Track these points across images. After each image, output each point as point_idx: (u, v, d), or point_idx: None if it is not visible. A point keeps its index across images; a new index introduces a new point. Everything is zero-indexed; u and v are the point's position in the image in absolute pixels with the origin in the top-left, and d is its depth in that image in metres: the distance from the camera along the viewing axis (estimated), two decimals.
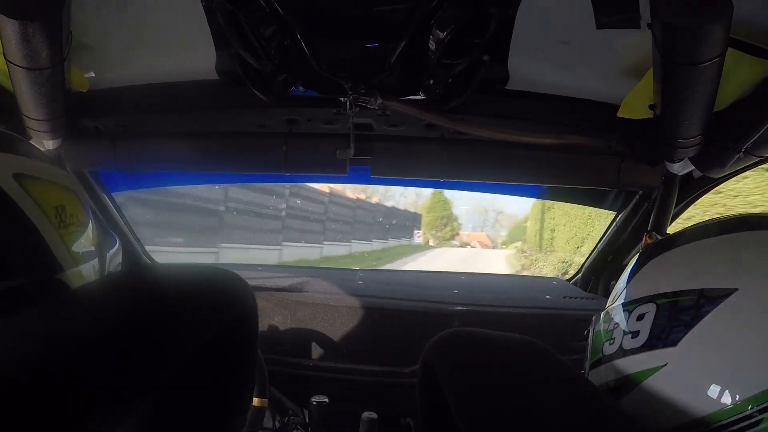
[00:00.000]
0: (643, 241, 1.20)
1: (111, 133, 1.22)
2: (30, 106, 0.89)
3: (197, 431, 0.60)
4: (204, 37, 0.95)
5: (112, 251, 0.72)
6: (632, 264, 0.69)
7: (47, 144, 1.00)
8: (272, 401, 1.25)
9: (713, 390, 0.51)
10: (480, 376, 0.59)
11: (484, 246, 29.80)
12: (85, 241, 0.60)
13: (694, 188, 1.28)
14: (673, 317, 0.56)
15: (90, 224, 0.63)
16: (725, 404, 0.50)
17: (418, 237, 26.76)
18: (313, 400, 1.27)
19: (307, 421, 1.29)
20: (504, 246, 29.16)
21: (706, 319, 0.53)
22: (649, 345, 0.57)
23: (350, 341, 1.43)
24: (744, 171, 1.09)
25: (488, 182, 1.48)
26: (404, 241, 23.13)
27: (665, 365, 0.55)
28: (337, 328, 1.45)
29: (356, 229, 16.34)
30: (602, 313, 0.71)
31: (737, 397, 0.50)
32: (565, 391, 0.55)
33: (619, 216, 1.51)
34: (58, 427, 0.41)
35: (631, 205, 1.45)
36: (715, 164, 0.97)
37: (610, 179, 1.25)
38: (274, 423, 1.20)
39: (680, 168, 1.06)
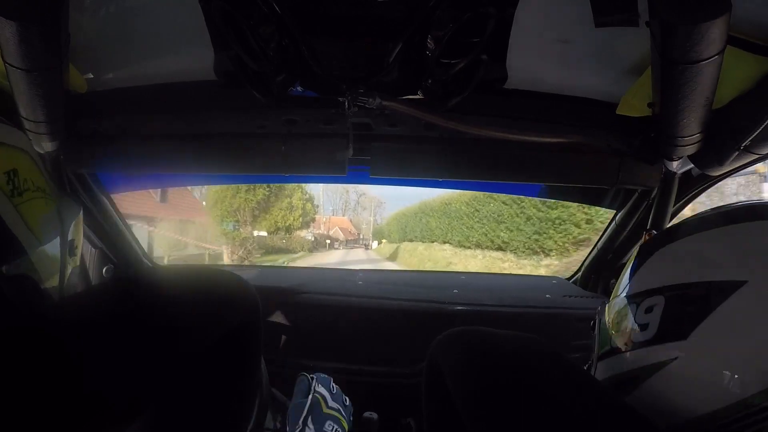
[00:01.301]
0: (643, 239, 1.20)
1: (110, 134, 1.21)
2: (28, 107, 0.89)
3: None
4: (202, 38, 0.95)
5: (75, 219, 0.63)
6: (634, 257, 0.69)
7: (46, 146, 0.99)
8: (272, 401, 1.25)
9: (725, 383, 0.51)
10: (489, 375, 0.58)
11: (348, 235, 22.94)
12: (46, 211, 0.52)
13: (693, 186, 1.28)
14: (683, 309, 0.56)
15: (48, 189, 0.55)
16: (738, 398, 0.50)
17: None
18: None
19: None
20: (381, 243, 20.22)
21: (716, 311, 0.52)
22: (659, 338, 0.57)
23: (350, 341, 1.43)
24: (743, 169, 1.08)
25: (487, 181, 1.48)
26: None
27: (676, 359, 0.55)
28: (337, 329, 1.45)
29: None
30: (608, 304, 0.70)
31: (750, 390, 0.49)
32: (575, 391, 0.55)
33: (619, 214, 1.51)
34: None
35: (630, 204, 1.45)
36: (713, 162, 0.97)
37: (609, 177, 1.25)
38: (275, 423, 1.20)
39: (679, 166, 1.07)
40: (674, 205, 1.22)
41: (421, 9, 0.85)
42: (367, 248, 23.80)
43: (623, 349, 0.62)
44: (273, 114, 1.17)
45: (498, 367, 0.59)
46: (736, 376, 0.50)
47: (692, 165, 1.03)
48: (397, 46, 0.91)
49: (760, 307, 0.51)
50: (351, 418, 1.13)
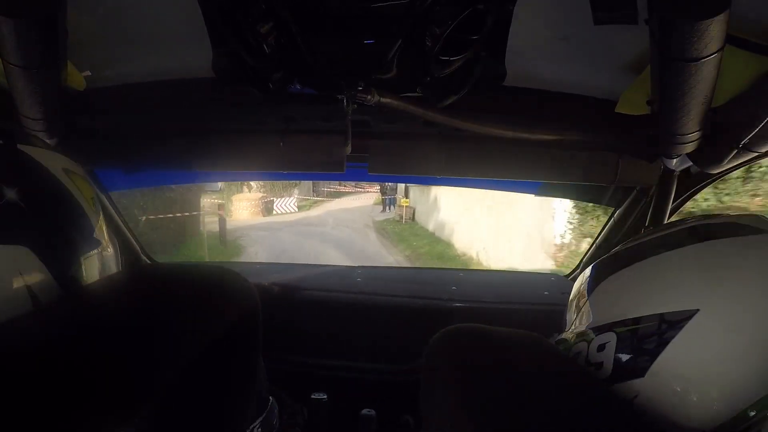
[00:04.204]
0: None
1: (108, 131, 1.21)
2: (27, 105, 0.89)
3: None
4: (200, 34, 0.95)
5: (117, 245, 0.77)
6: (583, 283, 0.67)
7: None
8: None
9: (687, 416, 0.50)
10: (489, 373, 0.58)
11: None
12: (105, 230, 0.67)
13: (691, 184, 1.28)
14: (636, 346, 0.54)
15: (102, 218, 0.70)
16: (701, 429, 0.50)
17: None
18: (312, 396, 1.27)
19: (306, 418, 1.30)
20: None
21: (670, 345, 0.51)
22: (616, 377, 0.55)
23: (349, 338, 1.44)
24: (742, 167, 1.09)
25: (485, 178, 1.48)
26: None
27: (636, 397, 0.54)
28: (335, 326, 1.45)
29: None
30: (559, 339, 0.69)
31: (712, 420, 0.49)
32: (574, 389, 0.55)
33: (617, 212, 1.52)
34: None
35: (628, 201, 1.45)
36: (712, 160, 0.97)
37: (608, 175, 1.25)
38: (273, 420, 1.20)
39: (678, 164, 1.06)
40: (673, 203, 1.23)
41: (419, 6, 0.85)
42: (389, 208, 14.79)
43: None
44: (271, 111, 1.17)
45: (497, 365, 0.59)
46: (698, 408, 0.50)
47: (691, 163, 1.03)
48: (395, 44, 0.91)
49: (713, 335, 0.50)
50: None
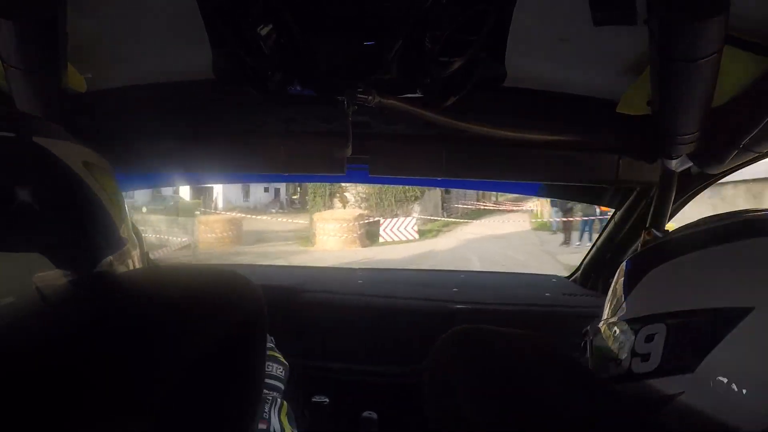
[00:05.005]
0: (642, 238, 1.20)
1: (109, 133, 1.21)
2: (26, 107, 0.89)
3: None
4: (200, 36, 0.95)
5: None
6: (625, 268, 0.66)
7: None
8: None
9: (736, 419, 0.48)
10: (496, 375, 0.58)
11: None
12: (131, 229, 0.66)
13: (692, 184, 1.28)
14: (687, 340, 0.52)
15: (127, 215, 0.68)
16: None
17: None
18: (313, 399, 1.27)
19: (308, 421, 1.29)
20: None
21: (723, 342, 0.49)
22: (663, 370, 0.53)
23: (350, 341, 1.43)
24: (742, 167, 1.09)
25: (486, 180, 1.48)
26: None
27: (682, 393, 0.51)
28: (336, 328, 1.45)
29: None
30: (602, 327, 0.66)
31: (756, 425, 0.47)
32: (584, 391, 0.54)
33: (618, 213, 1.52)
34: None
35: (629, 202, 1.45)
36: (713, 160, 0.97)
37: (608, 176, 1.25)
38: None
39: (678, 164, 1.06)
40: (674, 204, 1.22)
41: (419, 7, 0.85)
42: None
43: (624, 380, 0.58)
44: (272, 112, 1.17)
45: (506, 366, 0.59)
46: (748, 412, 0.47)
47: (691, 163, 1.03)
48: (395, 45, 0.91)
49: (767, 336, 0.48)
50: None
